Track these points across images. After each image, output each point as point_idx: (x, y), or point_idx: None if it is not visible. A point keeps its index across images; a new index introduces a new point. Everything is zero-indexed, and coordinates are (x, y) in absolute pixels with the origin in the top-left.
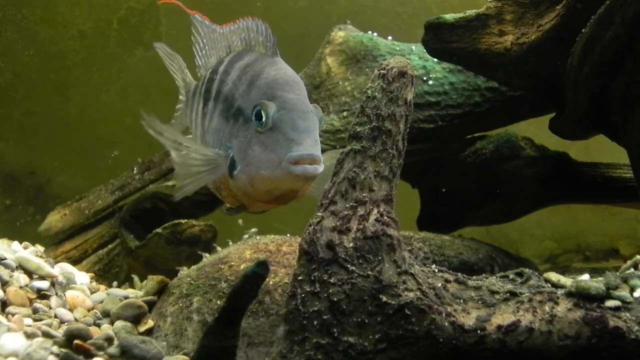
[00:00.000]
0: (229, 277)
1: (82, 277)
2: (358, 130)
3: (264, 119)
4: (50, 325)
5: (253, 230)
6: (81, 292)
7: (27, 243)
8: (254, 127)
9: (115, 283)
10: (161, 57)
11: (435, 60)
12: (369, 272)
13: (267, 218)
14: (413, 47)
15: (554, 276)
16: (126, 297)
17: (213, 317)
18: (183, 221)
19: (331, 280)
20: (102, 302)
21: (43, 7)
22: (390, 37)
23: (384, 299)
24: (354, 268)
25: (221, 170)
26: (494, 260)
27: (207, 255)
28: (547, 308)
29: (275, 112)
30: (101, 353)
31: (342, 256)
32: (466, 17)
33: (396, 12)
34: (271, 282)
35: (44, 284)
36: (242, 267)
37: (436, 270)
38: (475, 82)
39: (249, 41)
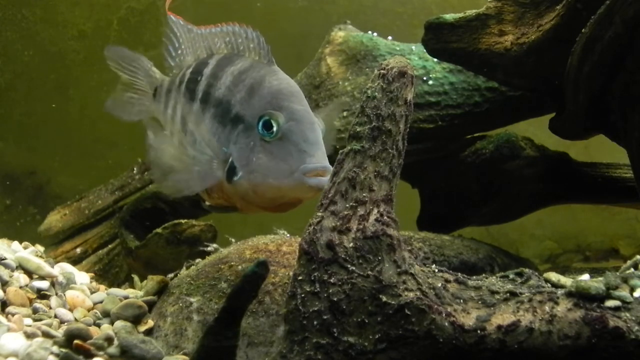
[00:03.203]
0: (229, 277)
1: (82, 277)
2: (358, 130)
3: (274, 129)
4: (50, 325)
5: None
6: (81, 292)
7: (27, 243)
8: (259, 135)
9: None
10: (117, 64)
11: (435, 60)
12: (369, 272)
13: (267, 218)
14: (413, 47)
15: (554, 276)
16: (126, 297)
17: (213, 317)
18: (183, 221)
19: (331, 280)
20: (102, 302)
21: (43, 7)
22: (390, 37)
23: (384, 299)
24: (354, 268)
25: (217, 174)
26: (494, 260)
27: (197, 261)
28: (547, 308)
29: (284, 122)
30: (101, 353)
31: (342, 256)
32: (466, 17)
33: (396, 12)
34: (271, 282)
35: (44, 284)
36: (242, 267)
37: (436, 270)
38: (475, 82)
39: (236, 46)
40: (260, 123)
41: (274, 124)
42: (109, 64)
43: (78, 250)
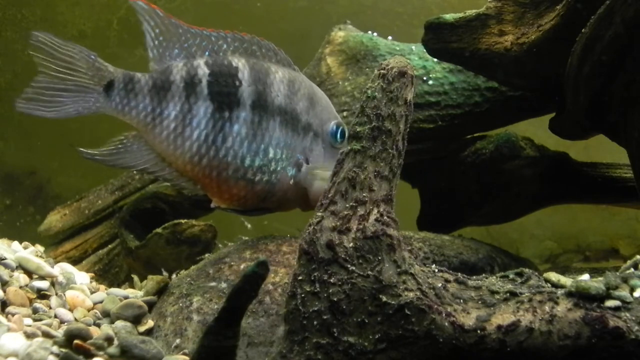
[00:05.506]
0: (229, 277)
1: (82, 277)
2: (358, 130)
3: (346, 137)
4: (50, 325)
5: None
6: (81, 292)
7: (27, 243)
8: (330, 142)
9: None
10: (46, 55)
11: (435, 60)
12: (369, 272)
13: (267, 218)
14: (413, 47)
15: (554, 276)
16: (126, 297)
17: (213, 317)
18: (183, 221)
19: (331, 280)
20: (102, 302)
21: (43, 7)
22: (390, 37)
23: (384, 299)
24: (354, 268)
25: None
26: (494, 260)
27: (205, 256)
28: (547, 308)
29: None
30: (101, 353)
31: (342, 256)
32: (466, 17)
33: (396, 12)
34: (271, 282)
35: (44, 284)
36: (242, 267)
37: (436, 270)
38: (475, 82)
39: (253, 52)
40: (337, 131)
41: (345, 132)
42: (35, 54)
43: (78, 250)
